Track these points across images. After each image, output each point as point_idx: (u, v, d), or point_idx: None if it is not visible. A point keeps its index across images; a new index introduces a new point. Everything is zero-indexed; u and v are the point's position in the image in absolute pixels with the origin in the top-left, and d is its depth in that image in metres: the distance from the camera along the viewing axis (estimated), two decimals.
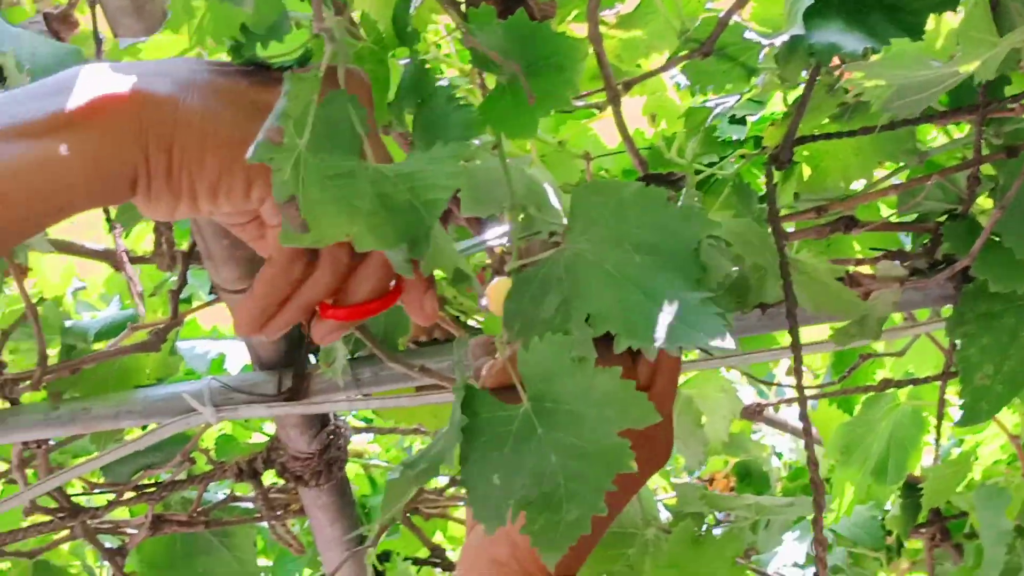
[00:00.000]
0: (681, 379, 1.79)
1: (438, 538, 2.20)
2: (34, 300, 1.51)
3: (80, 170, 0.72)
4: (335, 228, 0.72)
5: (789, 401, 1.75)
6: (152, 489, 1.78)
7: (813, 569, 1.78)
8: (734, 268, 1.05)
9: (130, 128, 0.73)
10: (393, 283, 0.85)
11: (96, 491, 1.87)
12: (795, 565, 1.77)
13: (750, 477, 1.99)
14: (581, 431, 0.77)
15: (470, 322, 1.53)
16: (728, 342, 0.75)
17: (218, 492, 1.94)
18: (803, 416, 1.08)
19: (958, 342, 1.33)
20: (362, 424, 2.04)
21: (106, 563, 2.02)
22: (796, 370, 1.05)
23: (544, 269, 0.82)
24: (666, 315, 0.76)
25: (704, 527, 1.42)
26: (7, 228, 0.71)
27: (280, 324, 0.85)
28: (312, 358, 1.56)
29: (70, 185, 0.72)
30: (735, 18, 1.10)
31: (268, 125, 0.70)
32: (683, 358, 1.03)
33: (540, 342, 0.78)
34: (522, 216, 0.88)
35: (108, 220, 1.49)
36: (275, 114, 0.71)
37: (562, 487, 0.77)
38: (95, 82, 0.73)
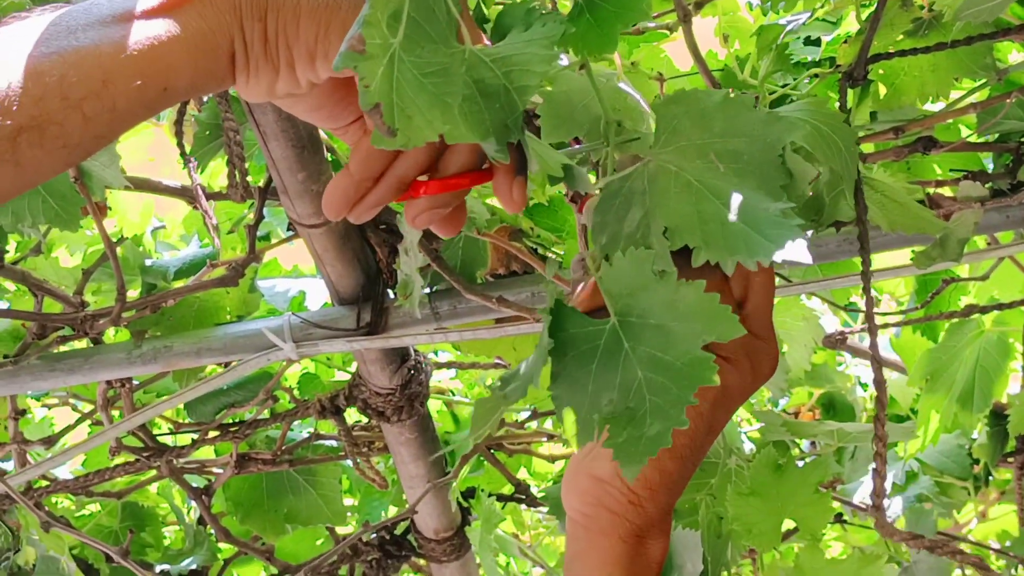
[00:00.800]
0: None
1: (522, 474, 2.21)
2: (114, 239, 1.54)
3: (181, 50, 0.74)
4: (428, 128, 0.72)
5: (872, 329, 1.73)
6: (236, 428, 1.82)
7: (900, 498, 1.78)
8: (818, 170, 1.04)
9: (224, 2, 0.75)
10: (485, 165, 0.86)
11: (181, 431, 1.91)
12: None
13: (835, 408, 1.98)
14: (666, 345, 0.77)
15: (548, 254, 1.54)
16: (805, 255, 0.74)
17: (302, 431, 1.97)
18: (873, 345, 1.08)
19: None
20: (443, 361, 2.06)
21: (193, 503, 2.07)
22: (865, 289, 1.04)
23: (629, 183, 0.82)
24: (744, 227, 0.76)
25: (787, 458, 1.42)
26: (115, 112, 0.73)
27: (372, 203, 0.85)
28: (391, 293, 1.58)
29: (171, 66, 0.74)
30: None
31: (351, 33, 0.70)
32: None
33: (623, 257, 0.78)
34: (616, 128, 0.88)
35: (183, 155, 1.51)
36: (359, 21, 0.71)
37: (647, 400, 0.78)
38: None
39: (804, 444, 1.87)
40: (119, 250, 1.60)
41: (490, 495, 2.00)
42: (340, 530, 2.17)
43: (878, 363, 1.03)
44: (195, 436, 1.84)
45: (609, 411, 0.78)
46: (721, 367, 0.88)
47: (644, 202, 0.80)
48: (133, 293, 1.66)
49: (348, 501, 2.22)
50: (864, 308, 1.12)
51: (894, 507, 1.77)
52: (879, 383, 1.06)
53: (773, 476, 1.36)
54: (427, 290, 1.52)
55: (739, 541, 1.38)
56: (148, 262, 1.68)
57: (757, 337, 0.91)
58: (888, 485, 1.80)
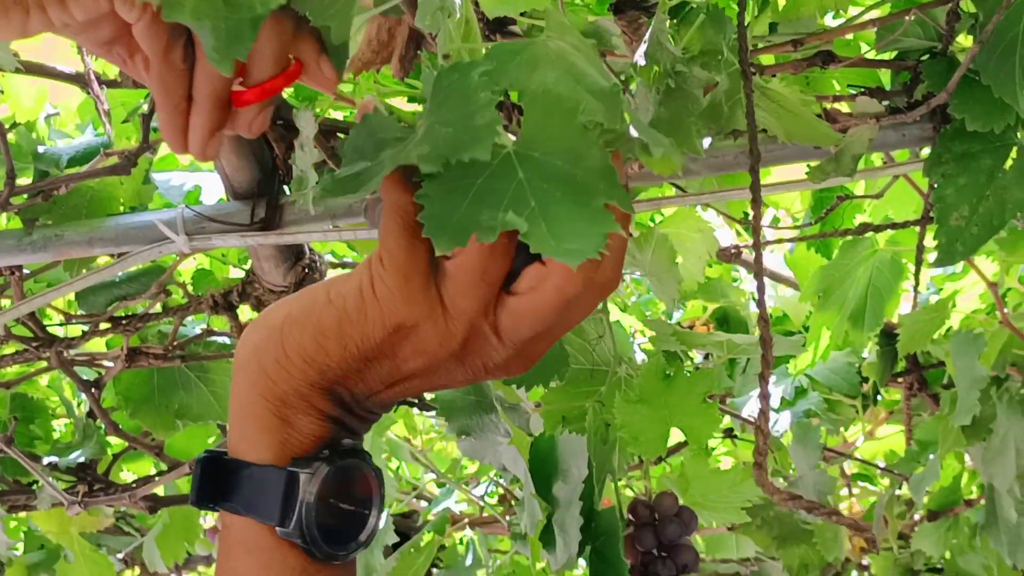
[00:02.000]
0: (657, 218, 1.81)
1: None
2: (6, 124, 1.52)
3: None
4: None
5: (767, 244, 1.77)
6: (127, 321, 1.81)
7: (788, 412, 1.82)
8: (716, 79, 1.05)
9: None
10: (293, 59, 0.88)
11: (72, 322, 1.90)
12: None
13: (728, 323, 2.01)
14: (565, 184, 0.77)
15: None
16: None
17: (195, 327, 1.97)
18: (756, 256, 1.10)
19: (935, 184, 1.35)
20: (337, 261, 2.07)
21: (83, 396, 2.06)
22: (753, 199, 1.06)
23: None
24: None
25: (676, 368, 1.45)
26: None
27: (203, 130, 0.88)
28: (286, 190, 1.57)
29: None
30: None
31: None
32: (658, 195, 1.03)
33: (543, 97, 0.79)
34: None
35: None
36: None
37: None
38: None
39: (697, 359, 1.91)
40: (11, 135, 1.59)
41: None
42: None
43: (760, 273, 1.06)
44: (86, 328, 1.83)
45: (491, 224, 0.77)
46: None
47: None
48: (25, 181, 1.64)
49: None
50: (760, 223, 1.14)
51: (782, 422, 1.81)
52: (761, 299, 1.08)
53: (661, 385, 1.38)
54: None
55: (626, 449, 1.40)
56: (40, 149, 1.67)
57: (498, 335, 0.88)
58: (776, 400, 1.84)
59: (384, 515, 0.97)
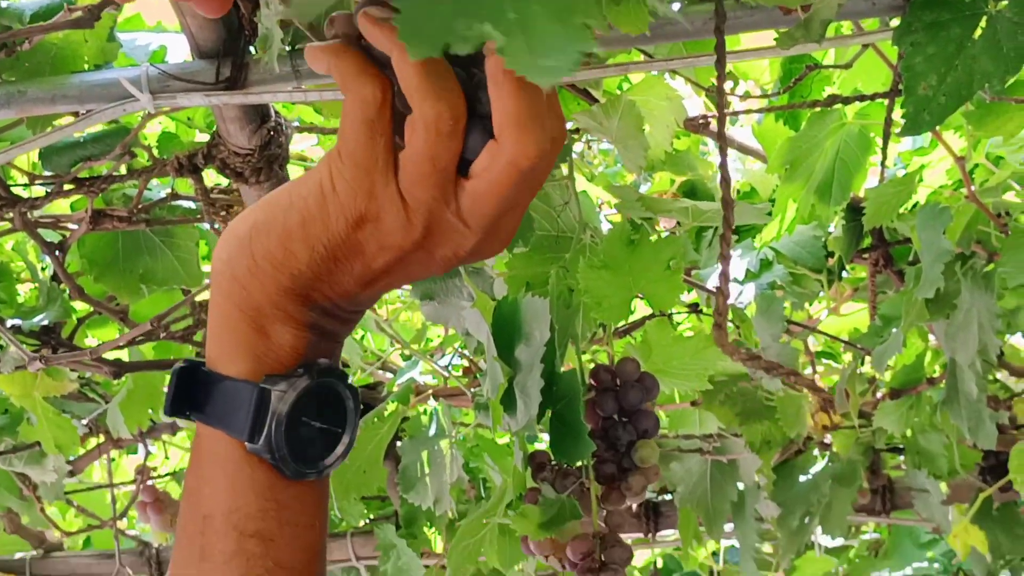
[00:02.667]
0: (624, 85, 1.81)
1: None
2: None
3: None
4: None
5: (735, 114, 1.77)
6: (91, 182, 1.81)
7: (753, 285, 1.84)
8: None
9: None
10: None
11: (36, 183, 1.90)
12: (734, 280, 1.83)
13: (696, 196, 2.02)
14: None
15: None
16: None
17: (160, 191, 1.97)
18: (720, 116, 1.10)
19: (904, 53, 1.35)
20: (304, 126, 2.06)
21: (47, 259, 2.07)
22: (719, 60, 1.06)
23: None
24: None
25: (641, 234, 1.46)
26: None
27: None
28: (252, 50, 1.57)
29: None
30: None
31: None
32: (626, 60, 1.03)
33: None
34: None
35: None
36: None
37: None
38: None
39: (664, 232, 1.92)
40: None
41: None
42: (198, 298, 2.18)
43: (722, 132, 1.06)
44: (50, 189, 1.83)
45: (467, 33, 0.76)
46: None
47: None
48: None
49: (206, 268, 2.23)
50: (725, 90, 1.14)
51: (746, 293, 1.83)
52: (723, 160, 1.09)
53: (625, 251, 1.39)
54: (288, 48, 1.51)
55: (589, 314, 1.42)
56: (3, 3, 1.65)
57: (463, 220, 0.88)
58: (741, 272, 1.85)
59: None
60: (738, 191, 2.09)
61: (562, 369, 1.38)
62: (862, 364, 1.94)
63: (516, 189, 0.86)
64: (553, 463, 1.44)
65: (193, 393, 0.92)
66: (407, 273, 0.92)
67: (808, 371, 2.28)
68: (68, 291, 1.97)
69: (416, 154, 0.85)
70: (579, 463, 1.44)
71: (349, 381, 0.96)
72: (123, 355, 2.20)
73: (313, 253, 0.88)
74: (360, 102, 0.86)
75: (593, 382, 1.46)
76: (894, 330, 1.74)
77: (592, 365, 1.47)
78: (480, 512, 1.43)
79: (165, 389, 2.20)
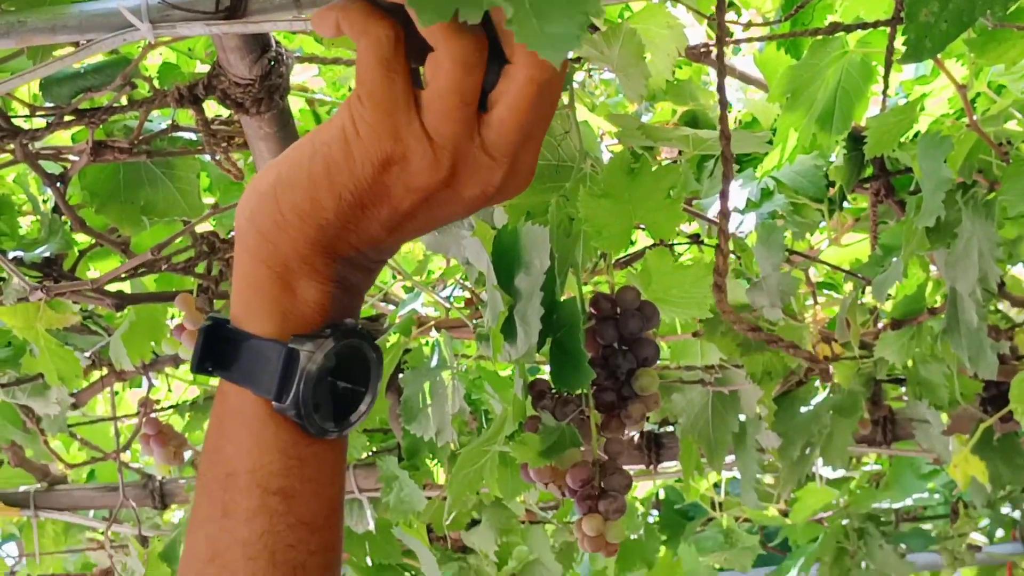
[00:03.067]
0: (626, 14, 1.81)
1: None
2: None
3: None
4: None
5: (736, 42, 1.77)
6: (92, 113, 1.81)
7: (754, 214, 1.85)
8: None
9: None
10: None
11: (36, 115, 1.90)
12: (735, 210, 1.83)
13: (697, 126, 2.02)
14: None
15: None
16: None
17: (161, 123, 1.98)
18: (719, 48, 1.11)
19: None
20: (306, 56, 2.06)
21: (49, 191, 2.08)
22: None
23: None
24: None
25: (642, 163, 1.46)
26: None
27: None
28: None
29: None
30: None
31: None
32: None
33: None
34: None
35: None
36: None
37: None
38: None
39: (665, 161, 1.93)
40: None
41: None
42: (199, 229, 2.19)
43: (722, 64, 1.07)
44: (51, 120, 1.83)
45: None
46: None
47: None
48: None
49: (208, 200, 2.24)
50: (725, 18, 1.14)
51: (747, 223, 1.84)
52: (720, 84, 1.10)
53: (626, 179, 1.40)
54: None
55: (589, 243, 1.43)
56: None
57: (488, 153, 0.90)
58: (742, 202, 1.86)
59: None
60: (739, 121, 2.09)
61: (562, 298, 1.39)
62: (863, 294, 1.95)
63: (535, 109, 0.87)
64: (553, 391, 1.46)
65: (219, 351, 0.94)
66: (434, 216, 0.93)
67: (809, 302, 2.29)
68: (69, 223, 1.98)
69: (442, 89, 0.85)
70: (579, 391, 1.46)
71: (372, 341, 0.97)
72: (125, 288, 2.21)
73: (340, 201, 0.89)
74: (374, 43, 0.86)
75: (593, 311, 1.47)
76: (894, 259, 1.75)
77: (592, 294, 1.48)
78: (480, 440, 1.44)
79: (168, 321, 2.23)
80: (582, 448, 1.45)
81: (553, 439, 1.43)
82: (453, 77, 0.85)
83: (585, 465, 1.44)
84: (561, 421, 1.44)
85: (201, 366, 0.95)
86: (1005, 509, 3.80)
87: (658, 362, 1.51)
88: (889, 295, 1.92)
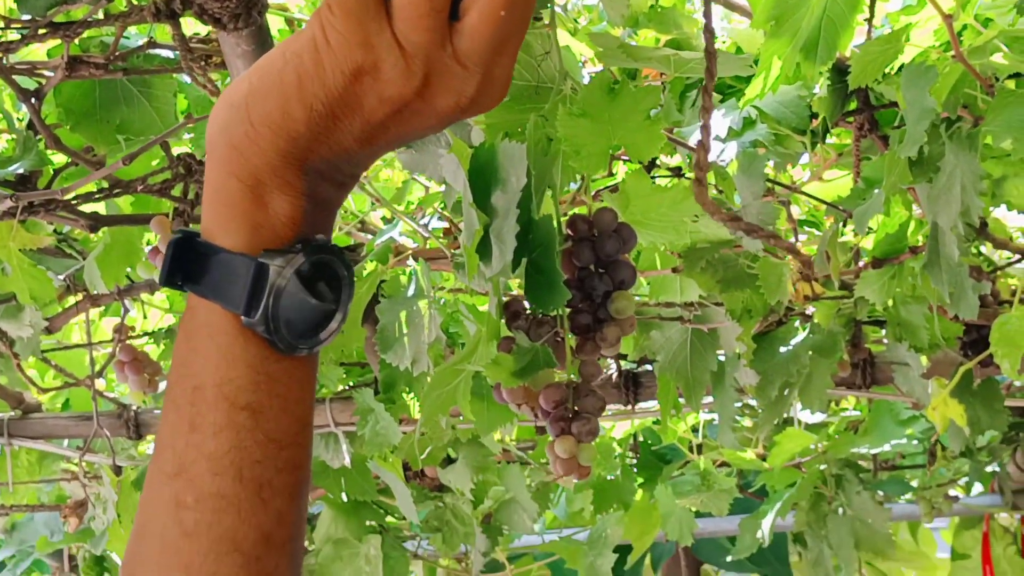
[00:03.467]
0: None
1: None
2: None
3: None
4: None
5: None
6: (68, 26, 1.80)
7: (735, 143, 1.84)
8: None
9: None
10: None
11: (12, 27, 1.88)
12: (716, 138, 1.83)
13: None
14: None
15: None
16: None
17: (138, 40, 1.96)
18: None
19: None
20: None
21: (24, 108, 2.06)
22: None
23: None
24: None
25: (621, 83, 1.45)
26: None
27: None
28: None
29: None
30: None
31: None
32: None
33: None
34: None
35: None
36: None
37: None
38: None
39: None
40: None
41: None
42: (175, 150, 2.18)
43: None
44: (25, 32, 1.81)
45: None
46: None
47: None
48: None
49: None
50: None
51: (728, 151, 1.83)
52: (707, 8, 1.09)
53: (605, 99, 1.39)
54: None
55: (567, 162, 1.42)
56: None
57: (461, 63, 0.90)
58: (724, 130, 1.85)
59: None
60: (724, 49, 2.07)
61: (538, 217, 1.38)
62: (844, 227, 1.95)
63: (508, 17, 0.86)
64: (528, 312, 1.46)
65: (188, 264, 0.94)
66: (407, 128, 0.92)
67: (791, 240, 2.28)
68: (44, 141, 1.96)
69: (401, 9, 0.85)
70: (554, 313, 1.45)
71: (344, 258, 0.97)
72: (100, 209, 2.20)
73: (311, 112, 0.88)
74: None
75: (570, 232, 1.47)
76: (876, 191, 1.74)
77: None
78: (454, 360, 1.44)
79: (144, 246, 2.22)
80: (556, 370, 1.44)
81: (527, 360, 1.43)
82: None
83: (558, 386, 1.44)
84: (535, 342, 1.44)
85: (170, 279, 0.95)
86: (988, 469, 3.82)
87: (637, 299, 1.50)
88: (870, 229, 1.92)
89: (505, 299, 1.46)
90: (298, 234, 0.93)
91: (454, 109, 0.91)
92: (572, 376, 1.46)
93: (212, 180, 0.93)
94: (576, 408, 1.44)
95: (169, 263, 0.94)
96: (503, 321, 1.45)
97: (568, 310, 1.45)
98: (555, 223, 1.37)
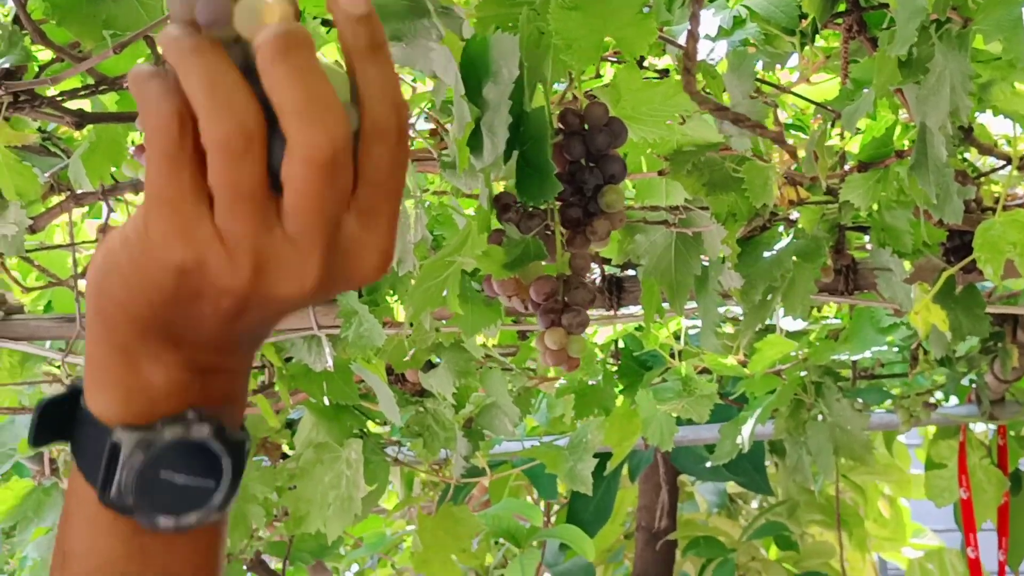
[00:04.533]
0: None
1: None
2: None
3: None
4: None
5: None
6: None
7: (725, 42, 1.85)
8: None
9: None
10: None
11: None
12: (706, 37, 1.84)
13: None
14: None
15: None
16: None
17: None
18: None
19: None
20: None
21: (9, 3, 2.05)
22: None
23: None
24: None
25: None
26: None
27: None
28: None
29: None
30: None
31: None
32: None
33: None
34: None
35: None
36: None
37: None
38: None
39: None
40: None
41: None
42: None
43: None
44: None
45: None
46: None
47: None
48: None
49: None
50: None
51: (718, 50, 1.84)
52: None
53: None
54: None
55: (559, 56, 1.43)
56: None
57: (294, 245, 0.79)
58: (713, 29, 1.86)
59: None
60: None
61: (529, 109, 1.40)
62: (832, 128, 1.96)
63: (328, 191, 0.76)
64: (518, 205, 1.47)
65: (59, 421, 0.88)
66: (260, 316, 0.84)
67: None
68: (30, 36, 1.96)
69: (217, 184, 0.76)
70: (544, 207, 1.47)
71: (230, 435, 0.87)
72: (86, 107, 2.20)
73: (151, 302, 0.81)
74: (160, 130, 0.76)
75: (561, 126, 1.48)
76: (865, 90, 1.76)
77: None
78: (444, 252, 1.45)
79: (128, 145, 2.22)
80: (545, 263, 1.46)
81: (518, 252, 1.45)
82: (224, 168, 0.76)
83: (549, 279, 1.45)
84: (526, 235, 1.45)
85: (37, 438, 0.88)
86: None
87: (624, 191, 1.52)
88: (858, 130, 1.93)
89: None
90: (179, 405, 0.85)
91: (300, 295, 0.80)
92: (562, 270, 1.47)
93: (88, 335, 0.85)
94: (566, 300, 1.46)
95: (38, 418, 0.87)
96: (493, 214, 1.47)
97: (559, 204, 1.47)
98: (547, 116, 1.39)
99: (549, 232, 1.47)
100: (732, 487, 5.22)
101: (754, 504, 5.42)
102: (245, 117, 0.75)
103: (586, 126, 1.47)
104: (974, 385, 3.84)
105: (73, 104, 2.06)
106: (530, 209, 1.46)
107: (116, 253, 0.81)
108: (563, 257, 1.47)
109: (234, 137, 0.74)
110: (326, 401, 2.95)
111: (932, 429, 4.36)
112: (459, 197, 2.35)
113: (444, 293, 1.47)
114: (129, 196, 2.50)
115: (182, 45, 0.75)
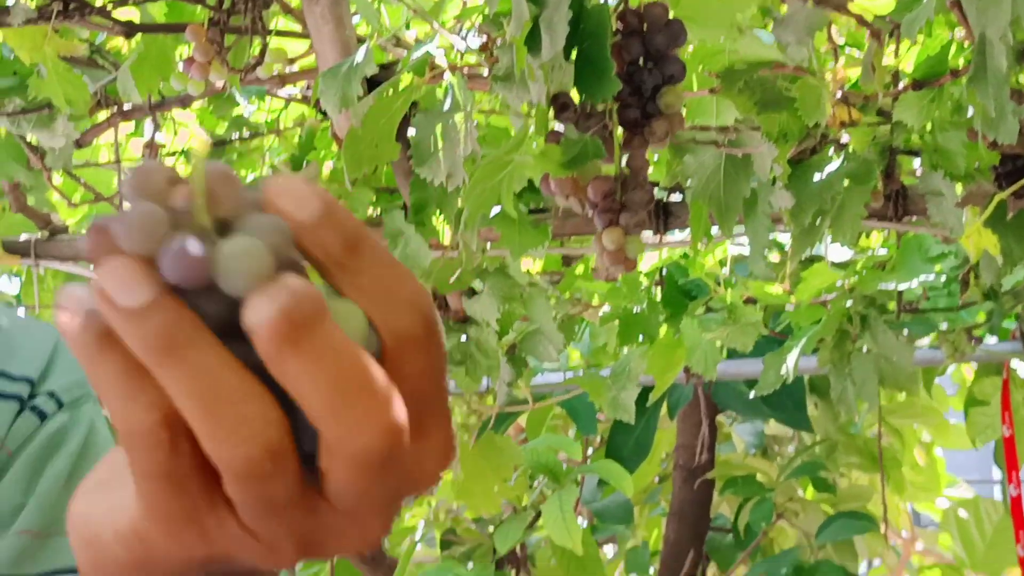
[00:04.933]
0: None
1: None
2: None
3: None
4: None
5: None
6: None
7: None
8: None
9: None
10: None
11: None
12: None
13: None
14: None
15: None
16: None
17: None
18: None
19: None
20: None
21: None
22: None
23: None
24: None
25: None
26: None
27: None
28: None
29: None
30: None
31: None
32: None
33: None
34: None
35: None
36: None
37: None
38: None
39: None
40: None
41: None
42: None
43: None
44: None
45: None
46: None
47: None
48: None
49: None
50: None
51: None
52: None
53: None
54: None
55: None
56: None
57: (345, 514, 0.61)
58: None
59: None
60: None
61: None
62: (890, 38, 1.94)
63: (386, 481, 0.60)
64: (576, 105, 1.47)
65: None
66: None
67: (831, 64, 2.28)
68: None
69: (240, 501, 0.59)
70: (602, 107, 1.46)
71: None
72: (135, 18, 2.20)
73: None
74: (133, 446, 0.58)
75: (619, 25, 1.47)
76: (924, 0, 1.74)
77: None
78: (502, 150, 1.45)
79: (177, 57, 2.22)
80: (603, 162, 1.46)
81: (575, 151, 1.44)
82: (241, 489, 0.57)
83: (607, 178, 1.45)
84: (584, 134, 1.45)
85: None
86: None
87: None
88: (914, 44, 1.91)
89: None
90: None
91: (368, 543, 0.63)
92: (620, 170, 1.47)
93: None
94: (624, 200, 1.46)
95: None
96: (551, 113, 1.46)
97: (616, 104, 1.46)
98: (606, 13, 1.38)
99: (607, 133, 1.46)
100: (769, 429, 5.22)
101: (790, 449, 5.42)
102: (267, 434, 0.56)
103: (645, 26, 1.46)
104: (1016, 324, 3.83)
105: (122, 14, 2.06)
106: (588, 109, 1.45)
107: (102, 553, 0.64)
108: (620, 158, 1.47)
109: (257, 462, 0.56)
110: None
111: (969, 376, 4.34)
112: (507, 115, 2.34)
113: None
114: (176, 113, 2.50)
115: (150, 334, 0.53)
